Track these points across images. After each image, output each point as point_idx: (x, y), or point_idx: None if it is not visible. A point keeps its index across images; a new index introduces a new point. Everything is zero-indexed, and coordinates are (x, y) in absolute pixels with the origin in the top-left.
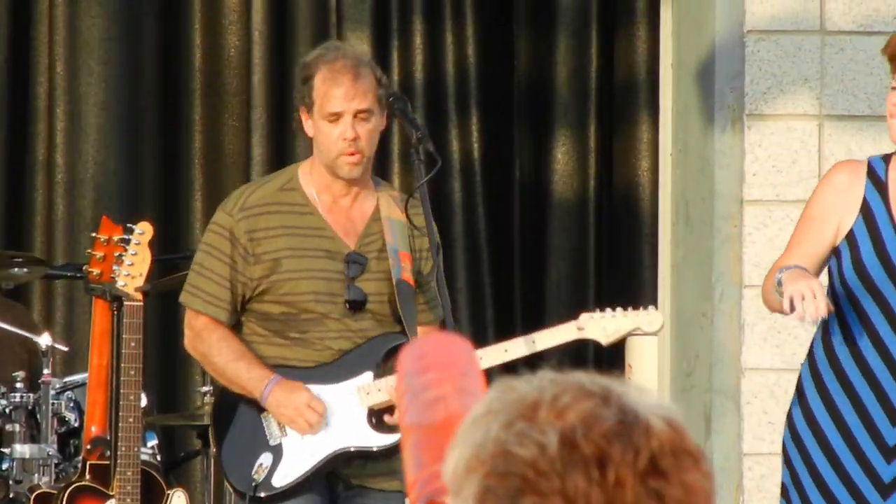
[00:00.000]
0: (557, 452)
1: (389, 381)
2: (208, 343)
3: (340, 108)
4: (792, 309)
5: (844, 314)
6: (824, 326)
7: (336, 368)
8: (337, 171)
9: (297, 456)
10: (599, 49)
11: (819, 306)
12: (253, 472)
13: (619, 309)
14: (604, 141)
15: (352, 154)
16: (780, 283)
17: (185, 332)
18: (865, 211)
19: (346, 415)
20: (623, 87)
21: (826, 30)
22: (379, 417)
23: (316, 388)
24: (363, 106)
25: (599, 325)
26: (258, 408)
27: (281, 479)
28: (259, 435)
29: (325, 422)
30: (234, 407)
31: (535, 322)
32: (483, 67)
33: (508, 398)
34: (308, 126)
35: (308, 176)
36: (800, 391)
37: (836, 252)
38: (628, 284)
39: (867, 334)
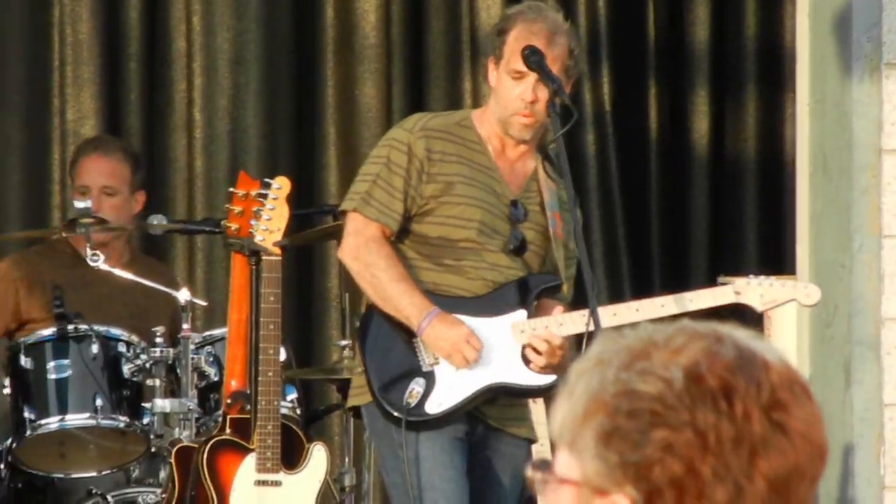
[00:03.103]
0: (684, 386)
1: (545, 321)
2: (376, 255)
3: (526, 68)
4: None
5: None
6: None
7: (490, 302)
8: (508, 129)
9: (450, 385)
10: (730, 5)
11: None
12: (406, 397)
13: (773, 277)
14: (737, 93)
15: (526, 116)
16: None
17: (347, 239)
18: None
19: (500, 350)
20: (755, 38)
21: None
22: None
23: (470, 321)
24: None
25: (757, 292)
26: (409, 329)
27: (434, 407)
28: (411, 360)
29: (480, 354)
30: (383, 327)
31: (672, 274)
32: (614, 18)
33: (617, 346)
34: (492, 76)
35: (480, 122)
36: None
37: None
38: (764, 235)
39: None
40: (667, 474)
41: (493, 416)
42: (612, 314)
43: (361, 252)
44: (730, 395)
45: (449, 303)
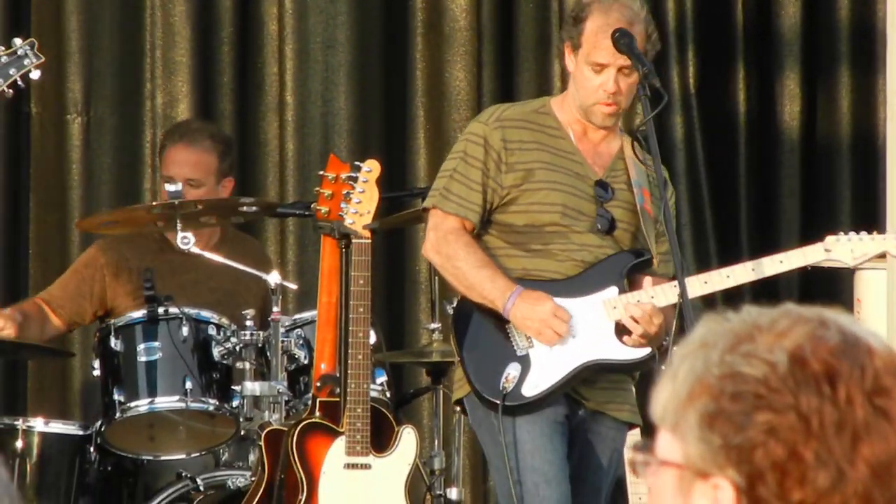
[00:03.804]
0: (788, 369)
1: (636, 296)
2: (455, 247)
3: (607, 60)
4: None
5: None
6: None
7: (580, 282)
8: (590, 117)
9: (545, 367)
10: None
11: None
12: (503, 382)
13: (863, 232)
14: (829, 75)
15: (609, 105)
16: None
17: (429, 235)
18: None
19: (593, 327)
20: (844, 24)
21: None
22: (626, 332)
23: (561, 302)
24: (628, 62)
25: (847, 248)
26: (501, 317)
27: (531, 389)
28: (505, 345)
29: (572, 334)
30: (476, 317)
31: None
32: (702, 3)
33: (721, 329)
34: (569, 62)
35: (560, 108)
36: None
37: None
38: (859, 219)
39: None
40: (769, 458)
41: (593, 398)
42: (704, 282)
43: (441, 246)
44: (833, 379)
45: (541, 287)
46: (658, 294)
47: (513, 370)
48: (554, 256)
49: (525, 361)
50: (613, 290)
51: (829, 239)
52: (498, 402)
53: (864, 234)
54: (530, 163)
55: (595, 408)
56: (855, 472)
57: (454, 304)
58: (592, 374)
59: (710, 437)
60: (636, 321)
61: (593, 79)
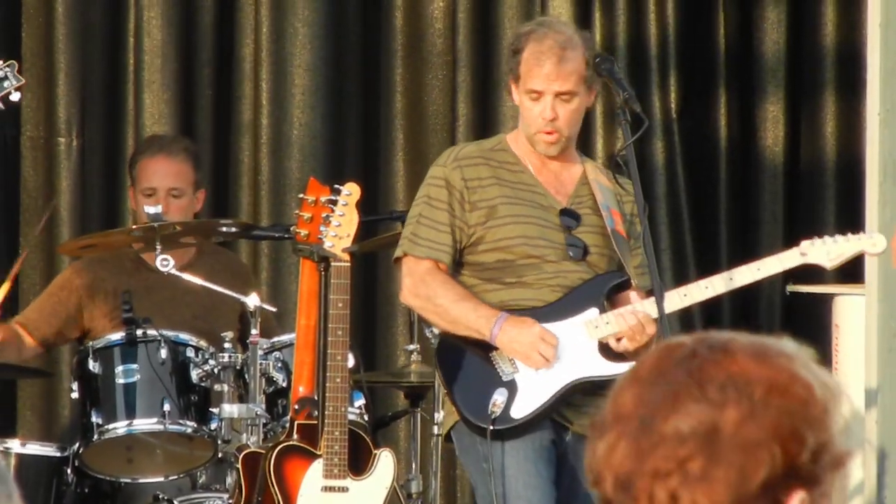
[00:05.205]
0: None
1: (616, 313)
2: (433, 287)
3: (542, 87)
4: None
5: None
6: None
7: (560, 307)
8: (535, 146)
9: (532, 389)
10: (805, 10)
11: None
12: (490, 407)
13: (838, 234)
14: (812, 100)
15: (549, 133)
16: None
17: (405, 281)
18: None
19: (576, 348)
20: (828, 50)
21: None
22: (609, 348)
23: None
24: (564, 88)
25: (822, 250)
26: (484, 347)
27: (519, 412)
28: (490, 373)
29: (556, 357)
30: (459, 348)
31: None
32: (684, 28)
33: None
34: (515, 95)
35: (516, 142)
36: None
37: None
38: None
39: None
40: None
41: (578, 422)
42: (683, 294)
43: (419, 288)
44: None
45: (523, 315)
46: (647, 307)
47: (500, 396)
48: (529, 286)
49: (511, 386)
50: (594, 311)
51: (805, 243)
52: (487, 426)
53: (838, 236)
54: (492, 199)
55: (581, 431)
56: None
57: (437, 338)
58: (581, 394)
59: None
60: (630, 331)
61: (533, 108)
